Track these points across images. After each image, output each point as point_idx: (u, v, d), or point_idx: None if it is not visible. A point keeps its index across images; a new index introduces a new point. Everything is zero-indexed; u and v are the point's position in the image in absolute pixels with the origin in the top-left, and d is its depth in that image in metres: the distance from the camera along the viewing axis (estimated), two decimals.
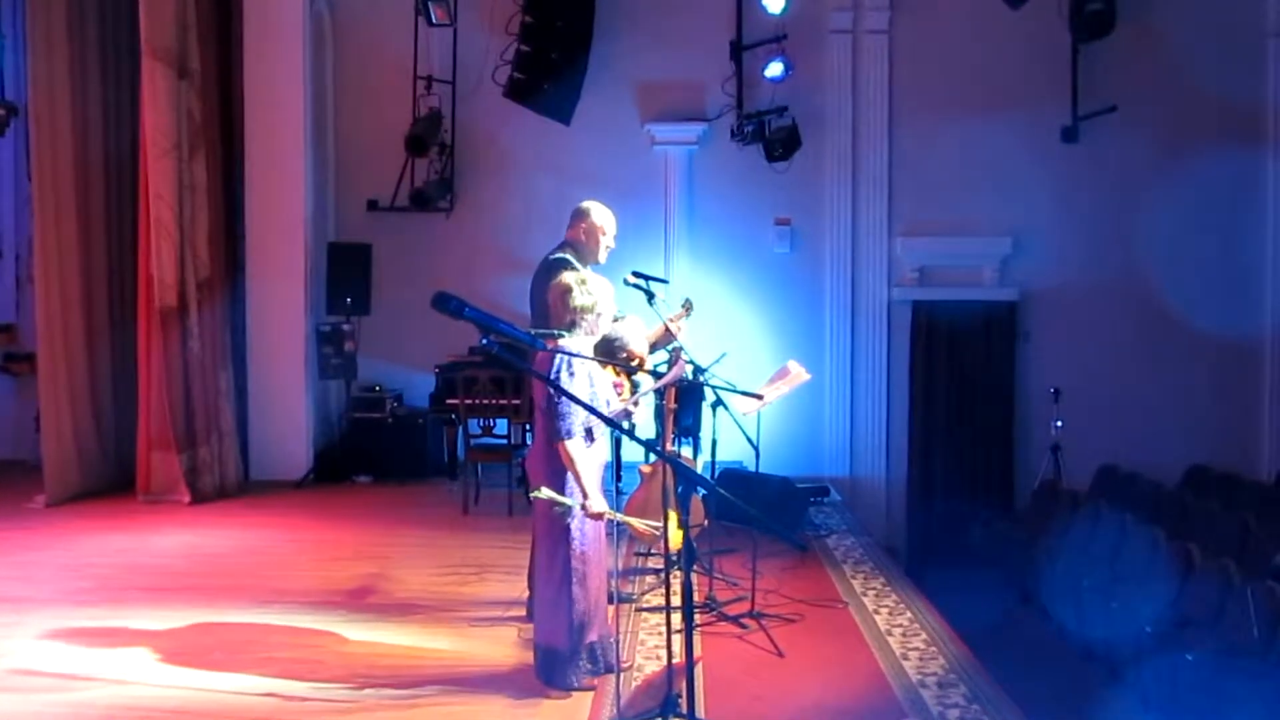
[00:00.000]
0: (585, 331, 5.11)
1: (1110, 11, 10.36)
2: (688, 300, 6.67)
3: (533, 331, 4.96)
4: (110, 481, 9.82)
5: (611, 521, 5.10)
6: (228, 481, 9.85)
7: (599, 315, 5.13)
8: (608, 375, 5.26)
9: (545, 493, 4.84)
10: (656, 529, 5.19)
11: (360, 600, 6.66)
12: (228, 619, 6.29)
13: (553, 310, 5.13)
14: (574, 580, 5.05)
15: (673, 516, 5.22)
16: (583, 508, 4.94)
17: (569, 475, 4.98)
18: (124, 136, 10.02)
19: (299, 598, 6.67)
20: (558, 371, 4.90)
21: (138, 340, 9.65)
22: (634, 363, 5.71)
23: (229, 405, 9.99)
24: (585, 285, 5.10)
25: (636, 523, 5.35)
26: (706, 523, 6.72)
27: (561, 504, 4.92)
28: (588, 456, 5.00)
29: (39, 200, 9.43)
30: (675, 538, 5.62)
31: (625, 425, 5.20)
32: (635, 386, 5.77)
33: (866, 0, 11.17)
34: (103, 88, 9.91)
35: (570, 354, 4.92)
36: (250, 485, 10.13)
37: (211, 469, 9.70)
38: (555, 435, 4.91)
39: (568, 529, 5.03)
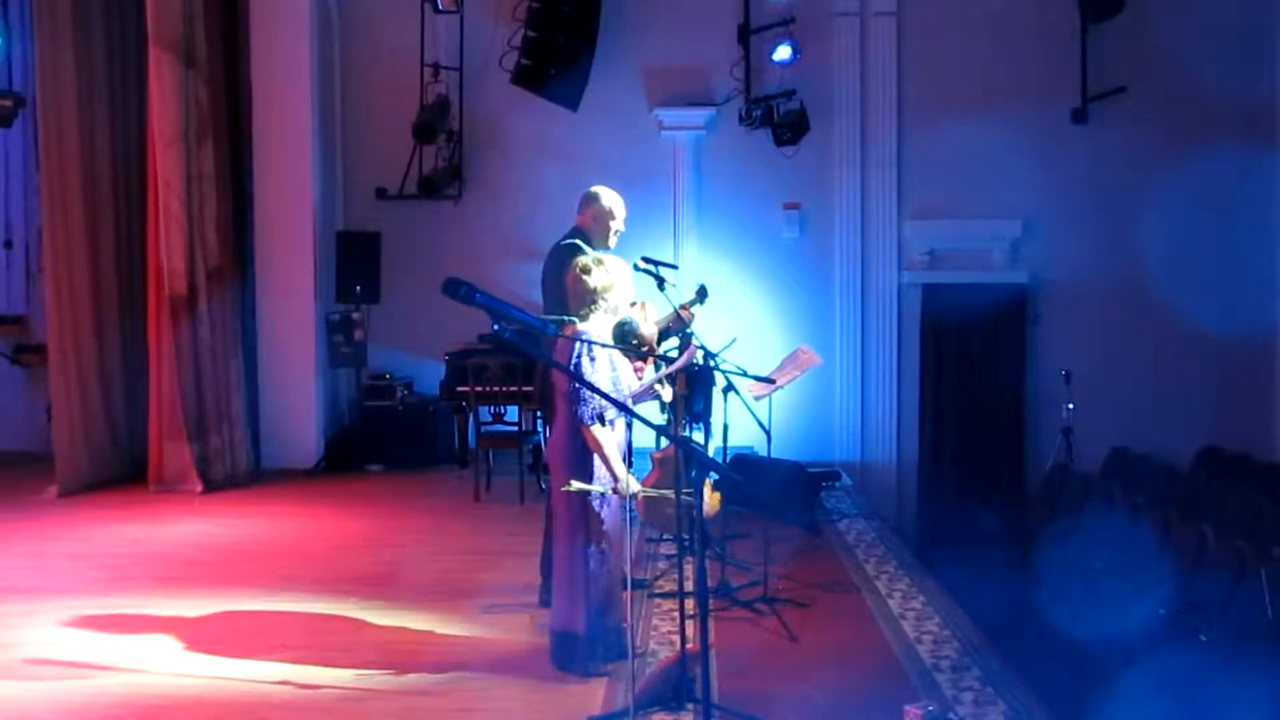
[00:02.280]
0: (606, 312, 5.08)
1: None
2: (702, 287, 6.62)
3: (544, 317, 4.94)
4: (122, 471, 9.84)
5: (627, 507, 5.09)
6: (239, 470, 9.86)
7: (619, 296, 5.10)
8: (627, 359, 5.24)
9: (576, 485, 4.81)
10: (690, 500, 5.17)
11: (372, 588, 6.65)
12: (241, 607, 6.30)
13: (571, 293, 5.10)
14: (593, 565, 5.04)
15: (706, 485, 5.22)
16: (614, 490, 4.92)
17: (594, 459, 4.96)
18: (131, 126, 10.01)
19: (311, 586, 6.68)
20: (579, 356, 4.88)
21: (147, 330, 9.65)
22: (644, 348, 5.69)
23: (239, 394, 10.00)
24: (603, 265, 5.08)
25: (669, 494, 5.30)
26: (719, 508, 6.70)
27: (593, 491, 4.90)
28: (611, 439, 4.98)
29: (47, 191, 9.44)
30: (714, 502, 5.64)
31: (657, 403, 5.20)
32: (657, 369, 5.74)
33: None
34: (110, 77, 9.89)
35: (589, 341, 4.90)
36: (261, 474, 10.14)
37: (223, 458, 9.72)
38: (580, 420, 4.89)
39: (587, 514, 5.01)
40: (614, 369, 5.00)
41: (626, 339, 5.36)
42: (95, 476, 9.54)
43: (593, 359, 4.90)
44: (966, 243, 11.33)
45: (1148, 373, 11.09)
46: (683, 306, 6.29)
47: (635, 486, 4.96)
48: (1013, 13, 10.85)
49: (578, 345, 4.90)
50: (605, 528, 5.05)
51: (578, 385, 4.82)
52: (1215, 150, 10.69)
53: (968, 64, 11.07)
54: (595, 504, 5.01)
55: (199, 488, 9.38)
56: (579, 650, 5.12)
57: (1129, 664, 6.42)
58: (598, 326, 5.03)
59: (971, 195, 11.21)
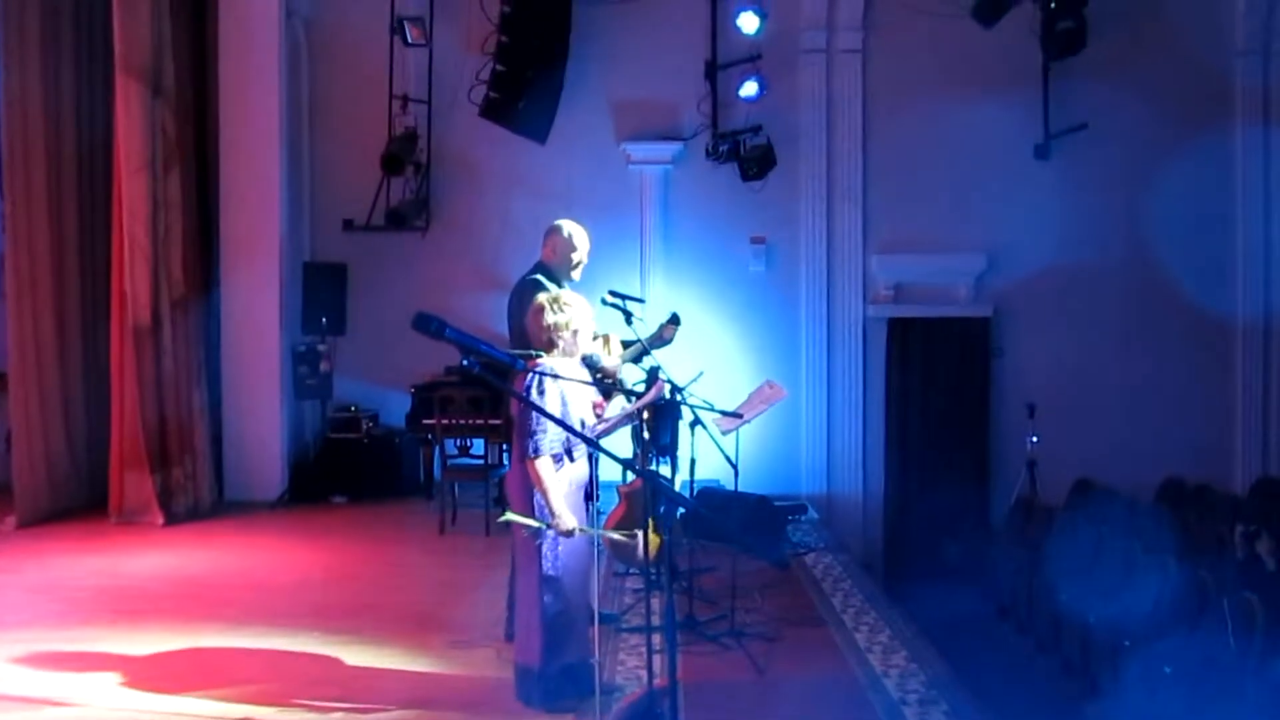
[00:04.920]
0: (562, 350, 5.09)
1: (1081, 30, 10.44)
2: (674, 314, 6.61)
3: (512, 352, 4.92)
4: (82, 502, 9.70)
5: (593, 541, 5.07)
6: (201, 502, 9.75)
7: (576, 332, 5.11)
8: (587, 394, 5.22)
9: (510, 515, 4.83)
10: (632, 539, 5.17)
11: (336, 621, 6.57)
12: (202, 642, 6.21)
13: (530, 331, 5.13)
14: (546, 599, 5.01)
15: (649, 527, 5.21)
16: (550, 526, 4.91)
17: (538, 494, 4.95)
18: (98, 152, 9.92)
19: (274, 620, 6.59)
20: (528, 390, 4.89)
21: (110, 359, 9.54)
22: (606, 380, 5.68)
23: (203, 425, 9.90)
24: (559, 303, 5.09)
25: (612, 534, 5.31)
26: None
27: (529, 525, 4.89)
28: (559, 475, 4.97)
29: (11, 216, 9.35)
30: (652, 545, 5.62)
31: (629, 432, 5.20)
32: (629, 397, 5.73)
33: (840, 20, 11.23)
34: (76, 103, 9.82)
35: (544, 373, 4.91)
36: (224, 506, 10.02)
37: (185, 489, 9.59)
38: (524, 453, 4.90)
39: (540, 548, 5.00)
40: (564, 404, 4.99)
41: (590, 373, 5.36)
42: (55, 507, 9.40)
43: (542, 392, 4.90)
44: (931, 277, 11.42)
45: (1111, 406, 11.21)
46: (665, 325, 6.31)
47: (573, 523, 4.93)
48: (976, 51, 10.94)
49: (529, 378, 4.91)
50: (557, 561, 5.02)
51: (527, 418, 4.83)
52: (1176, 188, 10.87)
53: (932, 100, 11.16)
54: (545, 538, 4.99)
55: (160, 519, 9.24)
56: (537, 684, 5.09)
57: (1094, 693, 6.45)
58: (556, 364, 5.03)
59: (936, 230, 11.30)
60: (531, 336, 5.13)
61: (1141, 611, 6.68)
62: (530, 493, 4.98)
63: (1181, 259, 11.04)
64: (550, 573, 5.00)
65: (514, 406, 5.11)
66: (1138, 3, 11.03)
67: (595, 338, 5.69)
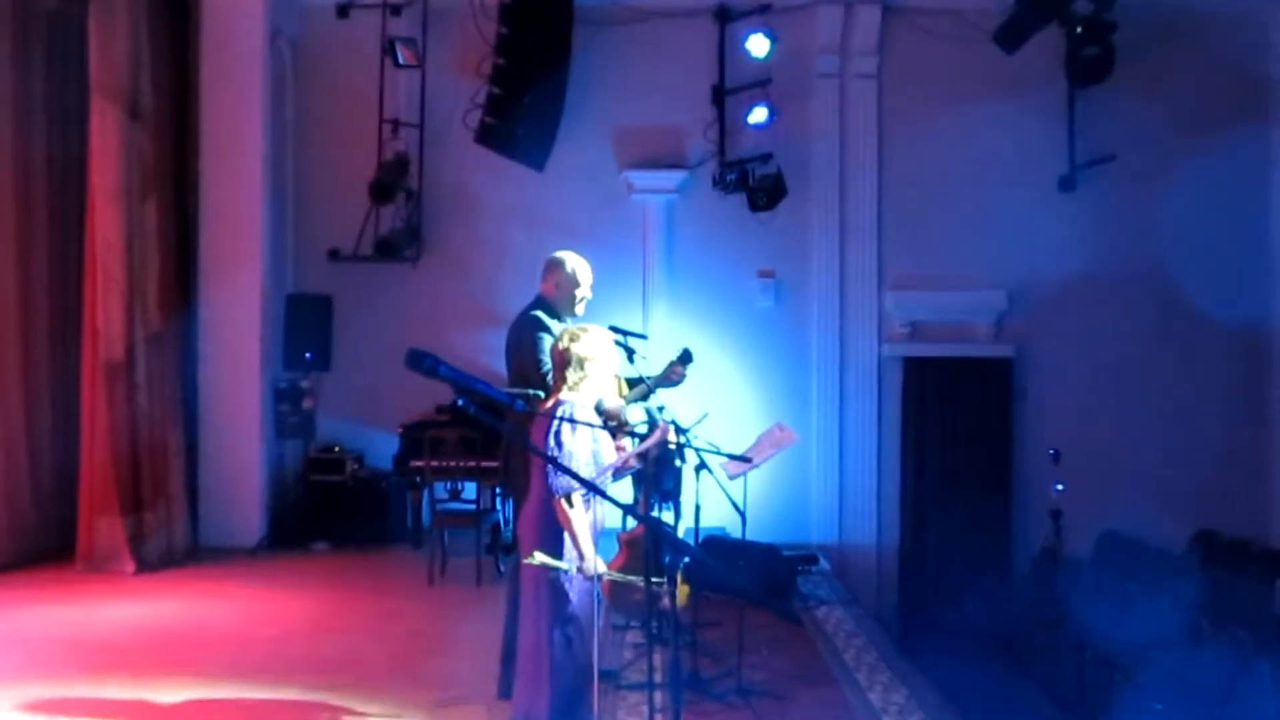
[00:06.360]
0: (592, 382, 5.09)
1: (1108, 56, 10.53)
2: (686, 350, 6.60)
3: (511, 391, 4.94)
4: (48, 549, 9.65)
5: (595, 592, 5.06)
6: (175, 548, 9.72)
7: (604, 365, 5.13)
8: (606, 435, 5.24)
9: (539, 558, 4.80)
10: (662, 589, 5.16)
11: (319, 677, 6.56)
12: (176, 698, 6.18)
13: (556, 363, 5.12)
14: (559, 650, 4.98)
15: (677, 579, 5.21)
16: (579, 569, 4.90)
17: (565, 536, 4.95)
18: (70, 179, 9.96)
19: (251, 674, 6.58)
20: (559, 432, 4.88)
21: (80, 396, 9.55)
22: (611, 422, 5.70)
23: (178, 466, 9.89)
24: (587, 333, 5.12)
25: (636, 581, 5.29)
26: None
27: (556, 567, 4.88)
28: (583, 517, 4.97)
29: None
30: (683, 593, 5.62)
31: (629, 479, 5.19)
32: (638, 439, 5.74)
33: (854, 44, 11.32)
34: (49, 128, 9.87)
35: (571, 420, 4.91)
36: (200, 552, 10.00)
37: (158, 534, 9.56)
38: (553, 491, 4.89)
39: (555, 595, 4.97)
40: (595, 441, 5.01)
41: (598, 415, 5.37)
42: (19, 553, 9.35)
43: (575, 428, 4.91)
44: (949, 315, 11.45)
45: (1140, 451, 11.17)
46: (674, 364, 6.31)
47: (601, 568, 4.94)
48: (997, 77, 10.99)
49: (556, 422, 4.89)
50: (574, 610, 5.01)
51: (555, 456, 4.83)
52: (1207, 220, 10.93)
53: (951, 129, 11.22)
54: (565, 584, 4.98)
55: (131, 566, 9.21)
56: None
57: None
58: (584, 397, 5.04)
59: (955, 265, 11.34)
60: (556, 369, 5.13)
61: (1172, 673, 6.67)
62: (548, 533, 4.97)
63: (1214, 296, 11.05)
64: (571, 618, 4.98)
65: (535, 443, 5.10)
66: (1167, 29, 11.08)
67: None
